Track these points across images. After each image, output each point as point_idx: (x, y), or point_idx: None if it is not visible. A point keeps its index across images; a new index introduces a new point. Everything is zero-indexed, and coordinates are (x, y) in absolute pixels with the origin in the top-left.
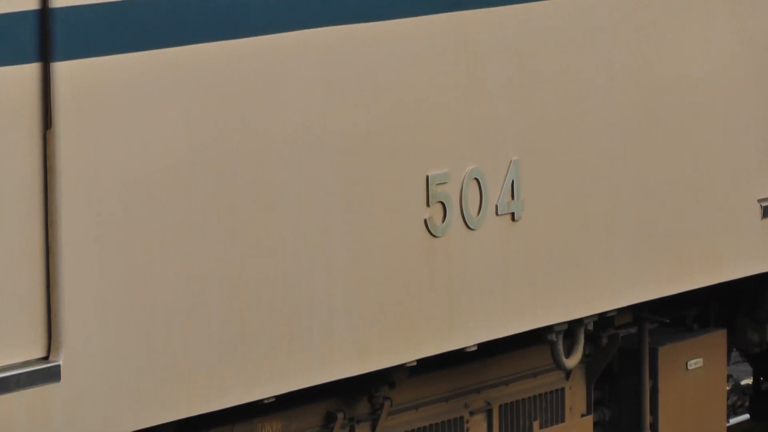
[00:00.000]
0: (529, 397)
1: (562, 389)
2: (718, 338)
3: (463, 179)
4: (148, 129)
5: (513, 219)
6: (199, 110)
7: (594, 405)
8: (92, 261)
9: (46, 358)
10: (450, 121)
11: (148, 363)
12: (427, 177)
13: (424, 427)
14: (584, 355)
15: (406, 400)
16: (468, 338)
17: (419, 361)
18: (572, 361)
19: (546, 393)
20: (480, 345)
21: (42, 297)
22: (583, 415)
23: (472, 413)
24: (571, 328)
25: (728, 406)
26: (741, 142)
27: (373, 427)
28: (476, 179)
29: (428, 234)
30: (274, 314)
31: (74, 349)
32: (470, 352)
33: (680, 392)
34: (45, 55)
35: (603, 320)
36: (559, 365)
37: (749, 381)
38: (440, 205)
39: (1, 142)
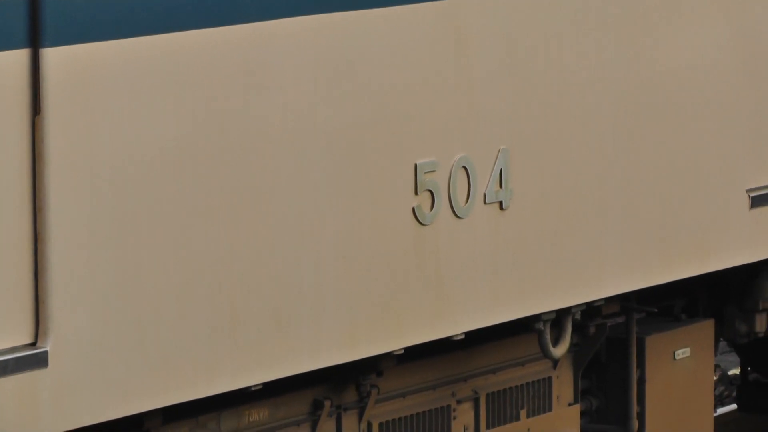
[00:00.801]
0: (517, 386)
1: (550, 378)
2: (706, 328)
3: (452, 168)
4: (137, 116)
5: (501, 208)
6: (188, 97)
7: (581, 394)
8: (81, 247)
9: (33, 344)
10: (439, 109)
11: (135, 349)
12: (416, 165)
13: (411, 416)
14: (572, 345)
15: (393, 388)
16: (456, 327)
17: (407, 349)
18: (560, 350)
19: (533, 382)
20: (467, 333)
21: (30, 283)
22: (570, 404)
23: (459, 401)
24: (559, 317)
25: (715, 397)
26: (730, 132)
27: (360, 415)
28: (464, 168)
29: (416, 222)
30: (262, 301)
31: (62, 335)
32: (458, 341)
33: (667, 382)
34: (34, 41)
35: (591, 309)
36: (546, 354)
37: (737, 371)
38: (428, 194)
39: None
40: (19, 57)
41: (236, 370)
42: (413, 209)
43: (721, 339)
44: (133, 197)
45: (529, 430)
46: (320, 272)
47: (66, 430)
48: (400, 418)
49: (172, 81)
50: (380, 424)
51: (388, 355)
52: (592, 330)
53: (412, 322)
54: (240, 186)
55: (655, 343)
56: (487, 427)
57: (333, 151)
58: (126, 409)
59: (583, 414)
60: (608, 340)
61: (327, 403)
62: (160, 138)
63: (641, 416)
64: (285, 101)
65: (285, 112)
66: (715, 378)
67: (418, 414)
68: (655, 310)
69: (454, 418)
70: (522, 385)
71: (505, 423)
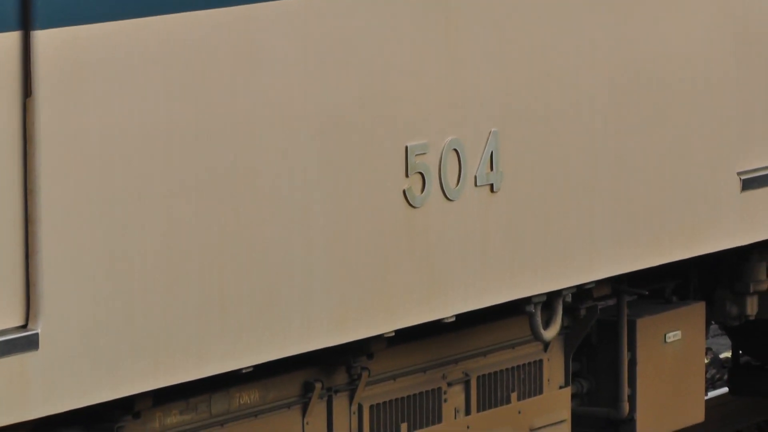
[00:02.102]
0: (507, 369)
1: (540, 361)
2: (697, 311)
3: (443, 150)
4: (128, 98)
5: (492, 190)
6: (178, 80)
7: (572, 377)
8: (71, 230)
9: (24, 327)
10: (430, 91)
11: (126, 332)
12: (407, 147)
13: (402, 398)
14: (562, 327)
15: (384, 371)
16: (446, 309)
17: (397, 331)
18: (550, 333)
19: (524, 364)
20: (458, 316)
21: (21, 265)
22: (561, 387)
23: (450, 384)
24: (550, 299)
25: (707, 380)
26: (720, 115)
27: (351, 398)
28: (455, 150)
29: (407, 204)
30: (252, 284)
31: (53, 318)
32: (448, 323)
33: (658, 365)
34: (26, 23)
35: (581, 292)
36: (537, 337)
37: (728, 354)
38: (419, 176)
39: None
40: (10, 39)
41: (226, 353)
42: (404, 191)
43: (713, 322)
44: (123, 180)
45: (519, 412)
46: (310, 255)
47: (56, 412)
48: (390, 401)
49: (163, 63)
50: (371, 407)
51: (378, 338)
52: (582, 312)
53: (402, 304)
54: (229, 169)
55: (646, 326)
56: (478, 410)
57: (323, 134)
58: (117, 392)
59: (573, 396)
60: (599, 322)
61: (318, 386)
62: (150, 120)
63: (632, 399)
64: (274, 84)
65: (275, 94)
66: (706, 361)
67: (408, 396)
68: (646, 292)
69: (445, 400)
70: (513, 367)
71: (495, 405)
